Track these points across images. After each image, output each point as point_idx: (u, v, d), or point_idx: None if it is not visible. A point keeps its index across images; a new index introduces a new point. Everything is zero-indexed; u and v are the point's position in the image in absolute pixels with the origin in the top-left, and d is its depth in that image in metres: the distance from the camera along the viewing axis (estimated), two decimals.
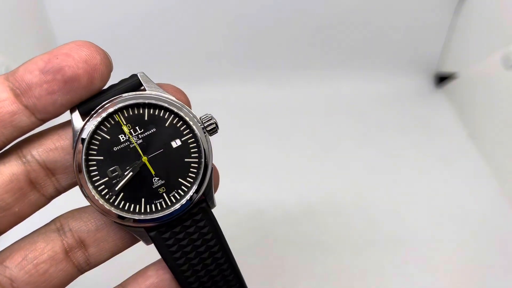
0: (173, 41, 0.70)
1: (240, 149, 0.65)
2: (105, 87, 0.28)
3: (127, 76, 0.29)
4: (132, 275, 0.30)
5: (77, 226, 0.29)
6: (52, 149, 0.27)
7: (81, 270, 0.29)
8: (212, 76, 0.72)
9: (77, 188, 0.28)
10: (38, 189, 0.28)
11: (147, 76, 0.29)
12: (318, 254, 0.55)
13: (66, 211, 0.30)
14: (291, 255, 0.55)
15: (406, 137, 0.68)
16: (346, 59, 0.74)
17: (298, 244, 0.56)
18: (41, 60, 0.25)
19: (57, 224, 0.29)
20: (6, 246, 0.29)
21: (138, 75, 0.29)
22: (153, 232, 0.28)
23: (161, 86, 0.29)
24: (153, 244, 0.29)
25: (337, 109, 0.72)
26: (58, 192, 0.29)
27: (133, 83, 0.28)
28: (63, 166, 0.28)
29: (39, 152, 0.27)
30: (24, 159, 0.27)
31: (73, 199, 0.30)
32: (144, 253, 0.32)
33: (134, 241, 0.30)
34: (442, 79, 0.75)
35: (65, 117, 0.28)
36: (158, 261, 0.30)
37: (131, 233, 0.29)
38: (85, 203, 0.28)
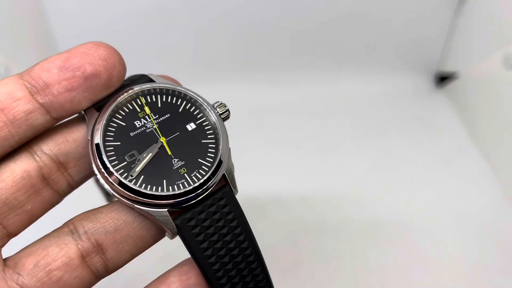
0: (173, 41, 0.70)
1: (241, 149, 0.65)
2: None
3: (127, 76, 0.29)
4: (153, 281, 0.29)
5: (93, 227, 0.27)
6: (64, 141, 0.27)
7: (98, 276, 0.28)
8: (212, 76, 0.72)
9: (87, 190, 0.27)
10: (52, 185, 0.27)
11: (155, 76, 0.30)
12: (319, 254, 0.55)
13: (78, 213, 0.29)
14: (293, 255, 0.54)
15: (406, 137, 0.68)
16: (346, 59, 0.74)
17: (299, 243, 0.56)
18: (59, 59, 0.25)
19: (70, 226, 0.28)
20: (18, 250, 0.28)
21: (148, 74, 0.30)
22: (179, 220, 0.27)
23: (164, 78, 0.30)
24: (170, 247, 0.28)
25: (337, 109, 0.72)
26: (71, 188, 0.28)
27: (145, 80, 0.29)
28: (75, 158, 0.27)
29: (50, 146, 0.27)
30: (35, 155, 0.27)
31: (86, 202, 0.30)
32: (165, 255, 0.30)
33: (155, 239, 0.28)
34: (442, 79, 0.75)
35: None
36: (179, 264, 0.29)
37: (153, 229, 0.28)
38: (96, 204, 0.28)
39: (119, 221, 0.27)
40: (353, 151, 0.66)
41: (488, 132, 0.65)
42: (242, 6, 0.67)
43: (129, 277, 0.33)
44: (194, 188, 0.27)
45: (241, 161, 0.63)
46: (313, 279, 0.53)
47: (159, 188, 0.27)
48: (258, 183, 0.61)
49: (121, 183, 0.26)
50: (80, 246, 0.27)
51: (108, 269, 0.28)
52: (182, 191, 0.27)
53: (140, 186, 0.27)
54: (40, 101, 0.25)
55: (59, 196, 0.28)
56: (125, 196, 0.27)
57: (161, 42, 0.69)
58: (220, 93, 0.70)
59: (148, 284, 0.29)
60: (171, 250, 0.28)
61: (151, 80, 0.29)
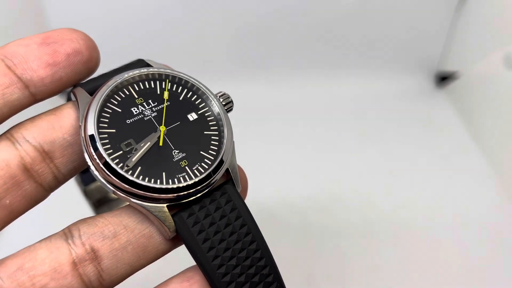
0: (173, 41, 0.70)
1: (241, 148, 0.65)
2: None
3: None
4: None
5: (90, 231, 0.24)
6: (49, 128, 0.24)
7: None
8: (213, 75, 0.72)
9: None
10: (35, 178, 0.24)
11: (154, 62, 0.28)
12: (317, 253, 0.55)
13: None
14: (292, 253, 0.55)
15: (407, 136, 0.68)
16: (347, 58, 0.74)
17: (298, 241, 0.56)
18: (37, 37, 0.24)
19: (65, 230, 0.25)
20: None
21: (146, 60, 0.28)
22: (177, 216, 0.25)
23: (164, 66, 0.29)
24: (173, 250, 0.26)
25: (338, 108, 0.72)
26: (58, 182, 0.25)
27: (142, 65, 0.28)
28: (62, 147, 0.25)
29: (33, 133, 0.24)
30: (16, 142, 0.24)
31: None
32: (166, 263, 0.28)
33: (158, 251, 0.26)
34: (443, 79, 0.75)
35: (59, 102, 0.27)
36: (183, 271, 0.26)
37: (156, 238, 0.25)
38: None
39: (119, 227, 0.24)
40: (353, 151, 0.66)
41: (489, 131, 0.65)
42: (242, 6, 0.67)
43: (131, 282, 0.33)
44: (195, 182, 0.25)
45: (240, 161, 0.63)
46: (313, 279, 0.53)
47: (158, 180, 0.24)
48: (257, 183, 0.61)
49: (116, 173, 0.24)
50: (73, 252, 0.24)
51: (103, 282, 0.24)
52: (183, 184, 0.24)
53: (137, 177, 0.24)
54: (18, 74, 0.24)
55: (44, 190, 0.25)
56: (120, 187, 0.24)
57: (160, 42, 0.69)
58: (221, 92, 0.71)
59: None
60: (178, 257, 0.27)
61: (148, 65, 0.28)
